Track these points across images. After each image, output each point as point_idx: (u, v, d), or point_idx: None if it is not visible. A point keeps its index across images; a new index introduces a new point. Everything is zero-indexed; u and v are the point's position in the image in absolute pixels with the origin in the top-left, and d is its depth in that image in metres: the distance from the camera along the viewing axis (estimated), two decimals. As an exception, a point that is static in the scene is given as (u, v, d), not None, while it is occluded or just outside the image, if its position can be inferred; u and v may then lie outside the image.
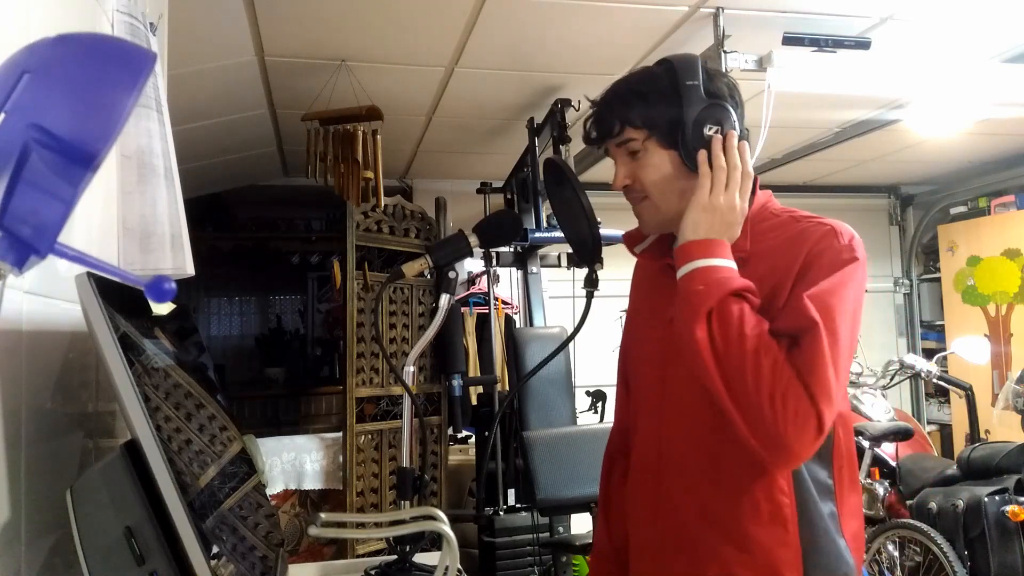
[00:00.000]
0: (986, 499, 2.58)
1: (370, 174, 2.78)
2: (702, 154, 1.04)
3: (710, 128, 1.05)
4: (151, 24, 1.28)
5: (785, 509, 1.00)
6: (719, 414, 0.97)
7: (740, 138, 1.08)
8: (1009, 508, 2.52)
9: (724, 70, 2.33)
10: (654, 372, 1.14)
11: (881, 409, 3.58)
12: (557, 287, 4.05)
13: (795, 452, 0.92)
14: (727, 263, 1.01)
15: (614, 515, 1.26)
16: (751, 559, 1.01)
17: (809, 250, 1.00)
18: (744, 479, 1.01)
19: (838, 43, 2.45)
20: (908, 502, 3.02)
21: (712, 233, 1.02)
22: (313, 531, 1.15)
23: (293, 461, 3.22)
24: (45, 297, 0.88)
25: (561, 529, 2.97)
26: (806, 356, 0.92)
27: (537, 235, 3.15)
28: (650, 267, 1.22)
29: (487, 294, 3.62)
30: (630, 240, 1.22)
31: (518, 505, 3.03)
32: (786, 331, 0.95)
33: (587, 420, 3.46)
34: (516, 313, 4.10)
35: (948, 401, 4.88)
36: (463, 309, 3.98)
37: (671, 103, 1.05)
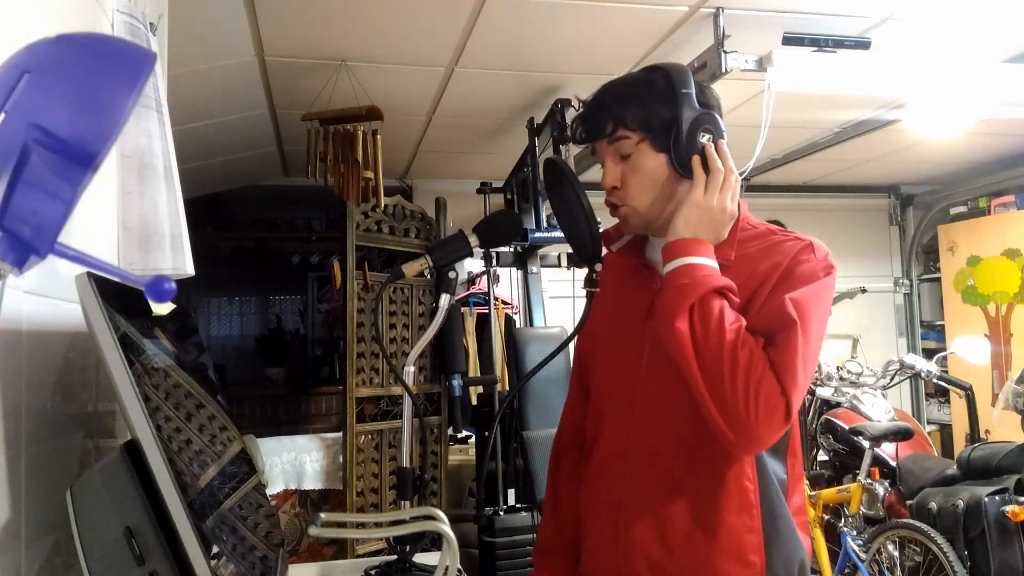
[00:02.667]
0: (986, 499, 2.58)
1: (370, 174, 2.77)
2: (696, 157, 1.08)
3: (703, 135, 1.09)
4: (151, 24, 1.28)
5: (751, 495, 1.06)
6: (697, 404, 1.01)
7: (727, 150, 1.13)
8: (1009, 508, 2.52)
9: (724, 70, 2.34)
10: (628, 366, 1.16)
11: (881, 409, 3.58)
12: (557, 287, 4.04)
13: (762, 437, 0.98)
14: (711, 262, 1.05)
15: (563, 510, 1.29)
16: (720, 545, 1.06)
17: (789, 261, 1.06)
18: (718, 467, 1.07)
19: (838, 43, 2.45)
20: (908, 502, 3.02)
21: (701, 231, 1.06)
22: (313, 531, 1.15)
23: (293, 461, 3.22)
24: (45, 297, 0.88)
25: (561, 529, 2.96)
26: (781, 350, 0.98)
27: (537, 235, 3.15)
28: (622, 265, 1.24)
29: (487, 294, 3.62)
30: (607, 238, 1.25)
31: (518, 505, 3.03)
32: (763, 328, 1.00)
33: (587, 420, 3.45)
34: (516, 313, 4.10)
35: (948, 401, 4.88)
36: (463, 309, 3.98)
37: (667, 108, 1.09)
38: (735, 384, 0.96)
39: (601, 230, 1.25)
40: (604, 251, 1.24)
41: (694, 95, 1.09)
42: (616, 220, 1.20)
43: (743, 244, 1.11)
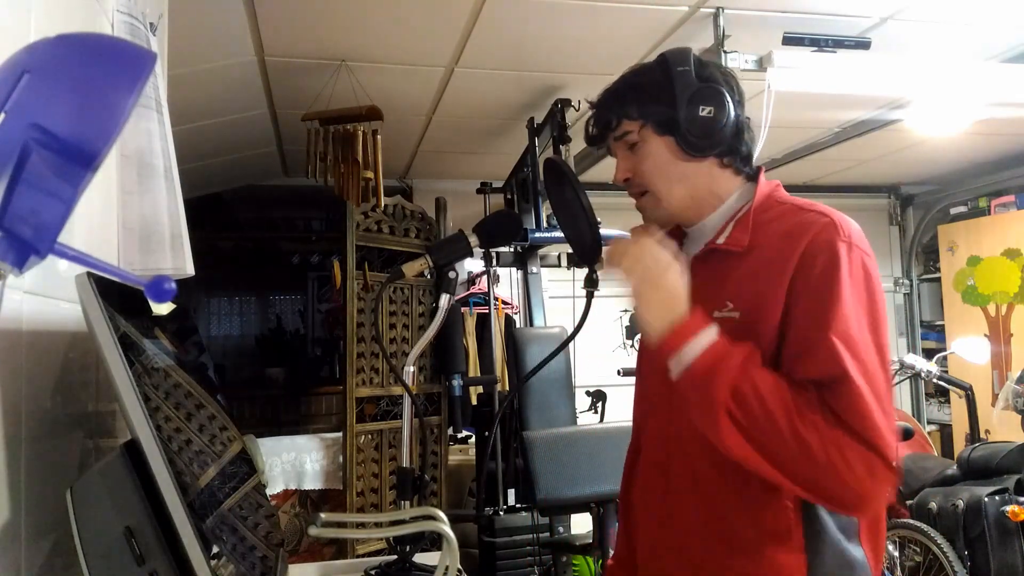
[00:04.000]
0: (986, 499, 2.58)
1: (370, 174, 2.78)
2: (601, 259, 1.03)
3: (703, 109, 1.05)
4: (151, 24, 1.28)
5: (789, 514, 0.99)
6: None
7: (739, 124, 1.08)
8: (1009, 508, 2.52)
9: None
10: (663, 369, 1.13)
11: (881, 409, 3.57)
12: (557, 287, 4.04)
13: (878, 500, 0.92)
14: (704, 339, 0.95)
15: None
16: (753, 566, 0.99)
17: (807, 245, 0.97)
18: (747, 483, 0.99)
19: (838, 43, 2.45)
20: (908, 502, 3.02)
21: (671, 309, 0.98)
22: (313, 531, 1.15)
23: (293, 461, 3.22)
24: (45, 297, 0.88)
25: (561, 529, 2.96)
26: (846, 408, 0.89)
27: (537, 235, 3.15)
28: None
29: (487, 294, 3.62)
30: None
31: (518, 505, 3.03)
32: (817, 380, 0.92)
33: (587, 420, 3.46)
34: (516, 313, 4.10)
35: (948, 401, 4.88)
36: (463, 309, 3.98)
37: (664, 90, 1.07)
38: (823, 473, 0.88)
39: (631, 228, 1.24)
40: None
41: (692, 71, 1.06)
42: (637, 222, 1.18)
43: (765, 225, 1.05)
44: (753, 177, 1.12)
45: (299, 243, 5.05)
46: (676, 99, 1.05)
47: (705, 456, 1.03)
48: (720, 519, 1.02)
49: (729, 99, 1.07)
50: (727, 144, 1.08)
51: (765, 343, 0.98)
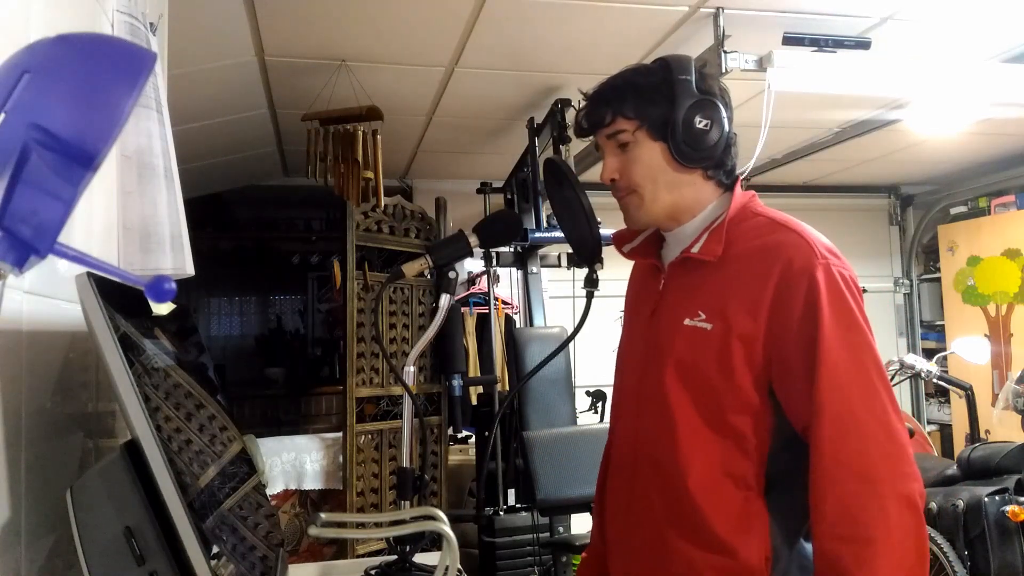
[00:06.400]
0: (986, 499, 2.58)
1: (370, 174, 2.78)
2: None
3: (700, 121, 1.06)
4: (151, 24, 1.28)
5: (751, 509, 1.01)
6: (693, 415, 0.99)
7: (728, 140, 1.10)
8: (1009, 508, 2.52)
9: (724, 70, 2.33)
10: (636, 369, 1.15)
11: (881, 409, 3.57)
12: (557, 287, 4.04)
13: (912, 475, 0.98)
14: None
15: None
16: (718, 560, 1.00)
17: (783, 270, 1.00)
18: (715, 481, 1.02)
19: (838, 43, 2.45)
20: (908, 502, 3.02)
21: None
22: (313, 531, 1.15)
23: (293, 461, 3.22)
24: (45, 297, 0.88)
25: (561, 529, 2.96)
26: (850, 447, 0.96)
27: (537, 235, 3.15)
28: (641, 265, 1.23)
29: (487, 294, 3.62)
30: (619, 240, 1.23)
31: (518, 505, 3.03)
32: (817, 422, 0.97)
33: (587, 420, 3.46)
34: (516, 313, 4.10)
35: (948, 401, 4.88)
36: (463, 309, 3.98)
37: (663, 96, 1.07)
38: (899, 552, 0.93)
39: (613, 231, 1.24)
40: (619, 253, 1.23)
41: (693, 82, 1.07)
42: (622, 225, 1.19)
43: (740, 237, 1.06)
44: (731, 188, 1.13)
45: (299, 243, 5.05)
46: (675, 106, 1.06)
47: (669, 454, 1.05)
48: (683, 515, 1.04)
49: (724, 114, 1.08)
50: (717, 158, 1.09)
51: (736, 357, 1.00)
